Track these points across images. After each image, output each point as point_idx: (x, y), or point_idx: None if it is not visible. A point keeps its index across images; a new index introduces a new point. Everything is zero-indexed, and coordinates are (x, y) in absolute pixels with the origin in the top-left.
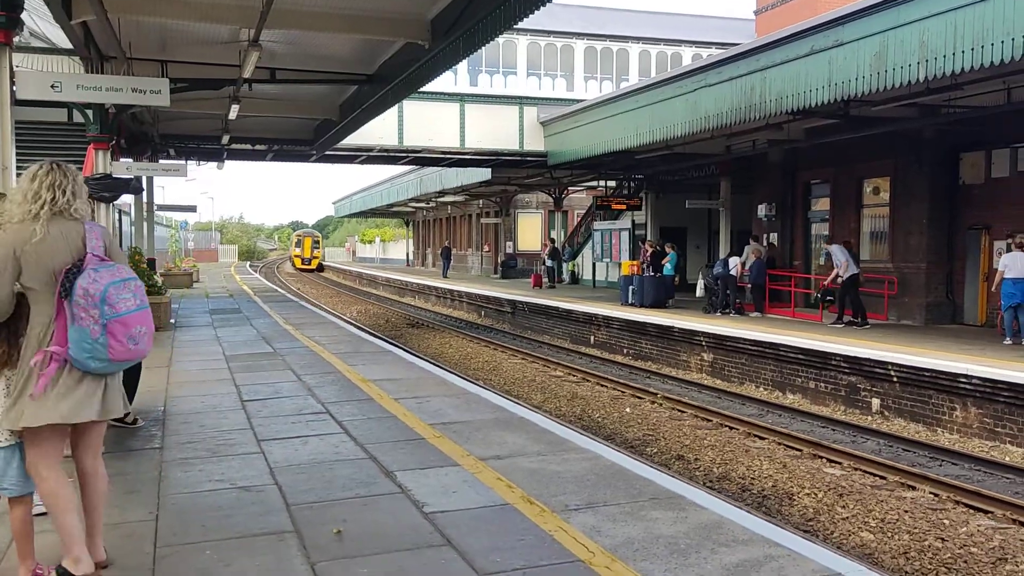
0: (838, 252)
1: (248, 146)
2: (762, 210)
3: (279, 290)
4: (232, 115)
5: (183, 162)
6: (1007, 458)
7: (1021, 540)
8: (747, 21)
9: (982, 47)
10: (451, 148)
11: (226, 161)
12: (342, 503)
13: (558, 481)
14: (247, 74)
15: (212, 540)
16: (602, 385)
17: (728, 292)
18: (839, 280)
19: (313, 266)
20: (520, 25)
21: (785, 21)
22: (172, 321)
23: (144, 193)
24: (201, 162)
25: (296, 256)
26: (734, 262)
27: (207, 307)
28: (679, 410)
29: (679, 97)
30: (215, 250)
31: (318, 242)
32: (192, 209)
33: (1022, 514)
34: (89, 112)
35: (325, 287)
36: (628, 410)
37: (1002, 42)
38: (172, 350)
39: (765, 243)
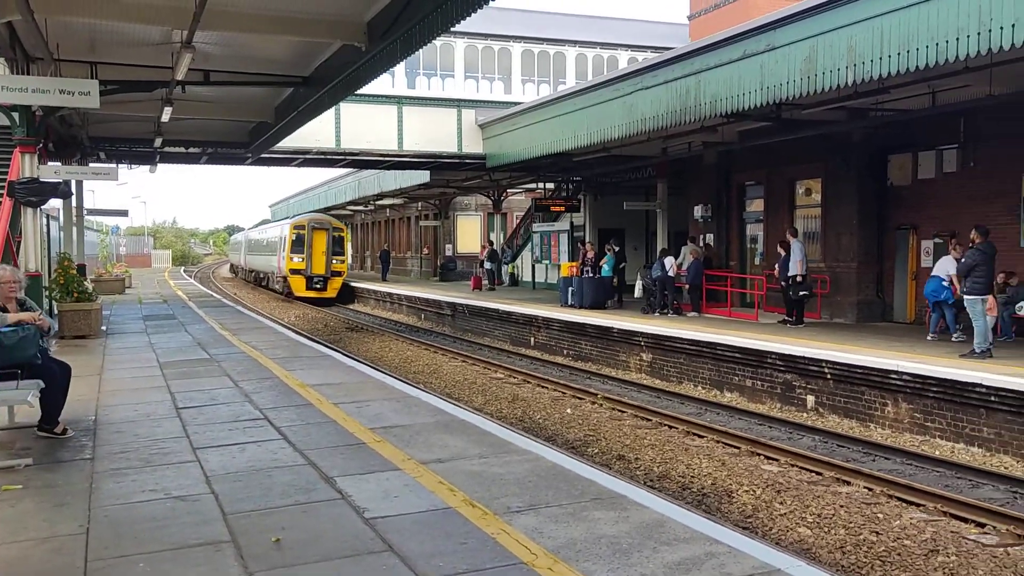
0: (798, 249)
1: (182, 149)
2: (698, 211)
3: (215, 295)
4: (165, 118)
5: (114, 165)
6: (937, 452)
7: (951, 532)
8: (681, 26)
9: (908, 52)
10: (389, 151)
11: (159, 164)
12: (281, 511)
13: (500, 483)
14: (180, 76)
15: (146, 552)
16: (543, 386)
17: (666, 292)
18: (797, 278)
19: (330, 292)
20: (457, 28)
21: (718, 25)
22: (104, 328)
23: (73, 197)
24: (133, 165)
25: (294, 271)
26: (669, 262)
27: (140, 313)
28: (619, 410)
29: (616, 100)
30: (148, 255)
31: (342, 240)
32: (124, 213)
33: (952, 507)
34: (15, 114)
35: (262, 292)
36: (569, 411)
37: (927, 47)
38: (104, 358)
39: (702, 244)
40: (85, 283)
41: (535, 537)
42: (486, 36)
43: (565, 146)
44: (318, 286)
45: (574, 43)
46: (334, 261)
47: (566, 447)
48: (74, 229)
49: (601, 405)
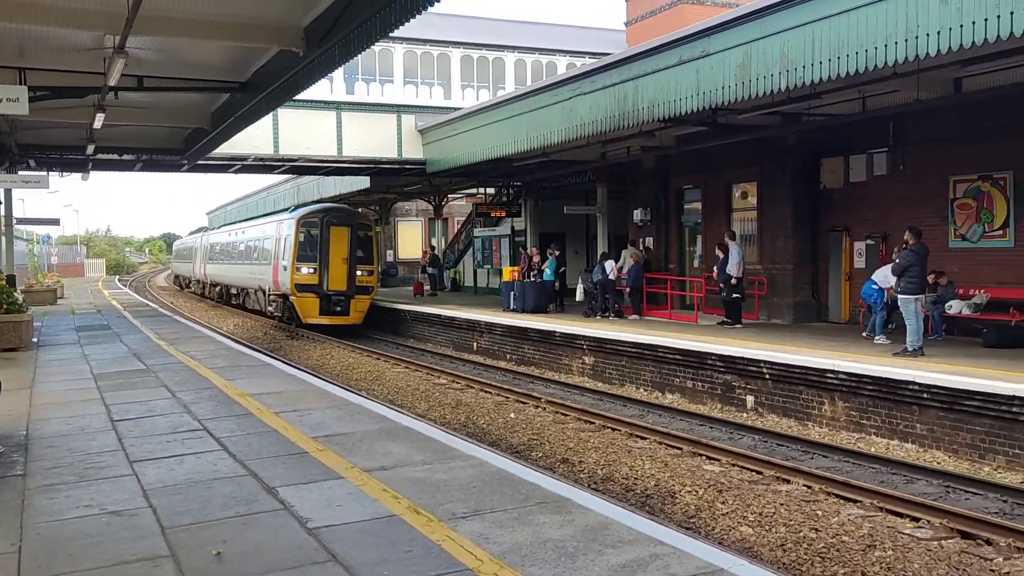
0: (736, 251)
1: (115, 156)
2: (638, 215)
3: (151, 304)
4: (97, 124)
5: (44, 173)
6: (872, 449)
7: (888, 527)
8: (618, 32)
9: (838, 58)
10: (328, 156)
11: (92, 172)
12: (222, 523)
13: (445, 489)
14: (112, 82)
15: (80, 570)
16: (486, 391)
17: (607, 296)
18: (732, 280)
19: (354, 317)
20: (396, 33)
21: (655, 32)
22: (35, 340)
23: (1, 206)
24: (64, 173)
25: (302, 287)
26: (610, 266)
27: (73, 324)
28: (563, 413)
29: (555, 105)
30: (81, 265)
31: (371, 241)
32: (55, 222)
33: (888, 502)
34: None
35: (199, 300)
36: (512, 415)
37: (856, 53)
38: (35, 371)
39: (642, 247)
40: (14, 294)
41: (480, 543)
42: (425, 42)
43: (505, 151)
44: (338, 308)
45: (513, 48)
46: (359, 272)
47: (510, 451)
48: (2, 238)
49: (545, 409)
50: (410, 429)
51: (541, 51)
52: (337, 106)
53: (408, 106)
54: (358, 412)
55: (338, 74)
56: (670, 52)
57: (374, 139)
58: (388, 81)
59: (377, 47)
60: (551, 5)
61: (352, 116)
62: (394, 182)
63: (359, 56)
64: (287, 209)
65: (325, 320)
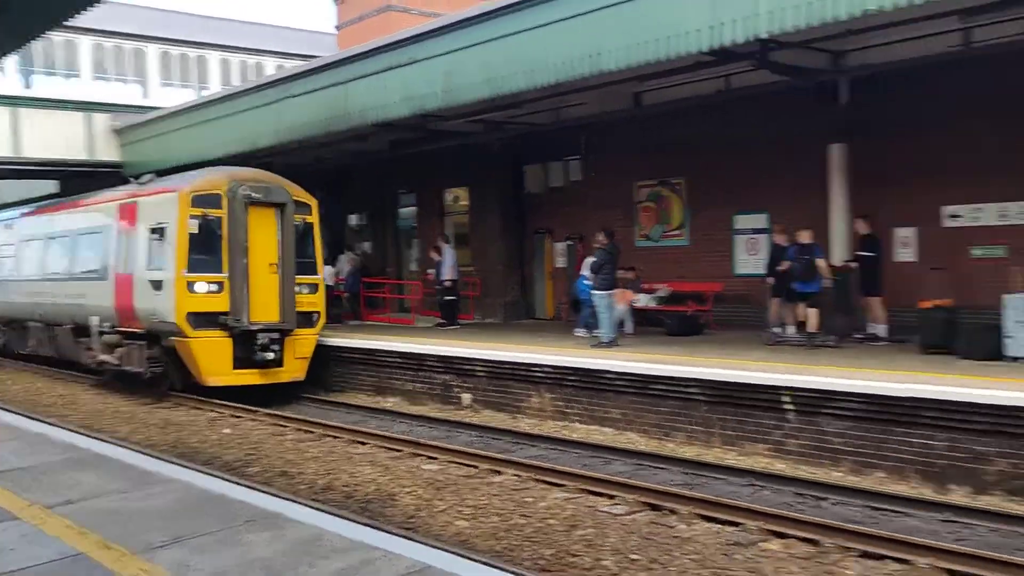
0: (450, 255)
1: None
2: (354, 220)
3: None
4: None
5: None
6: (575, 435)
7: (588, 507)
8: (330, 35)
9: (533, 70)
10: (3, 158)
11: None
12: None
13: (141, 518)
14: None
15: None
16: (199, 408)
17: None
18: (446, 283)
19: (292, 368)
20: (81, 23)
21: (365, 36)
22: None
23: None
24: None
25: (199, 319)
26: (328, 271)
27: None
28: (281, 425)
29: (264, 107)
30: None
31: (311, 232)
32: None
33: (588, 484)
34: None
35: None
36: (228, 431)
37: (549, 67)
38: None
39: (359, 251)
40: None
41: (181, 572)
42: (116, 34)
43: (213, 154)
44: (269, 355)
45: (217, 47)
46: (299, 288)
47: (225, 469)
48: None
49: (262, 422)
50: (104, 456)
51: (248, 51)
52: (12, 101)
53: (99, 104)
54: (42, 442)
55: (11, 65)
56: (379, 57)
57: (60, 139)
58: (74, 75)
59: (59, 38)
60: (257, 4)
61: (32, 113)
62: (90, 185)
63: (35, 46)
64: (136, 178)
65: (246, 377)
